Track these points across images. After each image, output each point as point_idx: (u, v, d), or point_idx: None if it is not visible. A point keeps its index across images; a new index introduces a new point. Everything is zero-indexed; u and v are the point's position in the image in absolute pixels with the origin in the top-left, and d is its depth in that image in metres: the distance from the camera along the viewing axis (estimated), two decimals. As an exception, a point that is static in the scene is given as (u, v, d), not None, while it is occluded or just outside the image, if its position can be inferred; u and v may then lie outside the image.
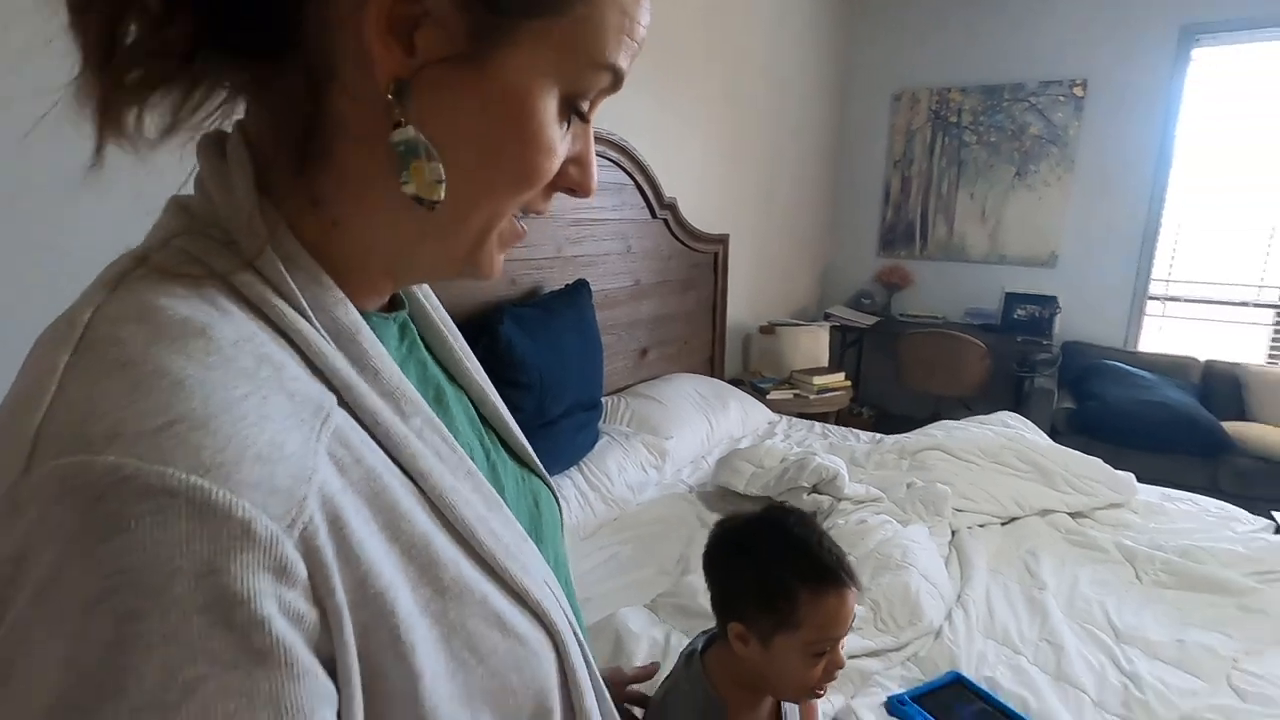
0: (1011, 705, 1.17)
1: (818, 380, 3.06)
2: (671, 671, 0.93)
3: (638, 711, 0.85)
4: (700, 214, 2.82)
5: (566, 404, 1.89)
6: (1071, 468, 1.93)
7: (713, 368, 2.99)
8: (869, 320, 3.93)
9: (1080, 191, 3.71)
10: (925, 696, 1.18)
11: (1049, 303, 3.69)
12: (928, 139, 4.07)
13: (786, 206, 3.80)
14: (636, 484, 1.97)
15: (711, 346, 3.00)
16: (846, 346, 4.04)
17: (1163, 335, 3.66)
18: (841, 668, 0.80)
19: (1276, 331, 3.43)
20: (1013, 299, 3.79)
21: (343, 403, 0.33)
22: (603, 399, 2.20)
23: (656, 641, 1.30)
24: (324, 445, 0.30)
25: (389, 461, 0.33)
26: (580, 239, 2.23)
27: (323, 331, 0.34)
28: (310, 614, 0.27)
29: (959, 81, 3.93)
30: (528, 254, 2.05)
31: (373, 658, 0.30)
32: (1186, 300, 3.63)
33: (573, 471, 1.88)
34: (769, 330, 3.31)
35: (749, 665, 0.80)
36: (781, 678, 0.80)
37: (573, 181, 0.40)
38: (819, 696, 0.80)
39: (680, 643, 1.31)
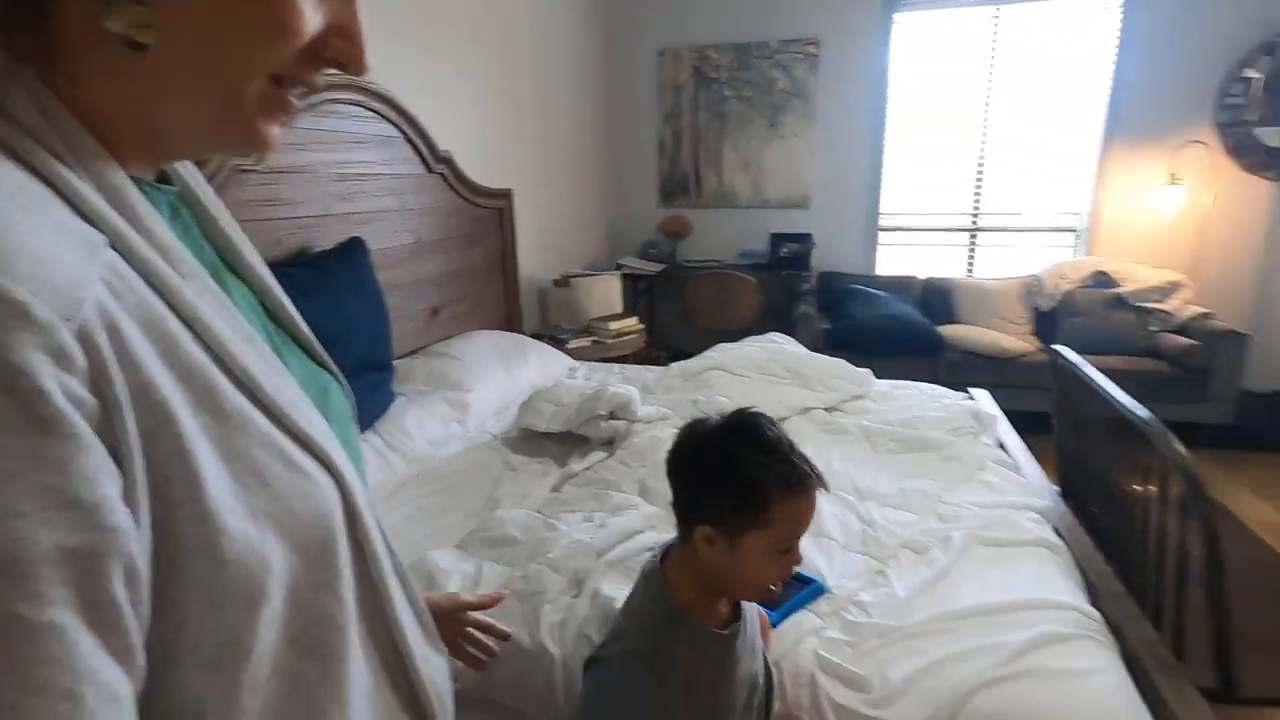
0: (780, 561, 1.39)
1: (614, 325, 3.21)
2: (632, 591, 0.96)
3: (485, 638, 0.82)
4: (480, 169, 2.78)
5: (352, 365, 1.80)
6: (822, 370, 2.27)
7: (510, 322, 3.01)
8: (656, 268, 4.17)
9: (822, 140, 4.21)
10: (712, 569, 1.35)
11: (806, 239, 4.19)
12: (692, 94, 4.35)
13: (568, 161, 3.87)
14: (439, 439, 1.96)
15: (506, 302, 3.01)
16: (639, 294, 4.26)
17: (892, 259, 4.33)
18: (799, 564, 0.84)
19: (970, 251, 4.22)
20: (777, 239, 4.24)
21: (113, 248, 0.32)
22: (395, 361, 2.14)
23: (468, 574, 1.34)
24: (97, 270, 0.30)
25: (164, 305, 0.33)
26: (350, 195, 2.11)
27: (88, 182, 0.32)
28: (90, 400, 0.28)
29: (714, 40, 4.23)
30: (290, 212, 1.90)
31: (157, 463, 0.30)
32: (907, 229, 4.31)
33: (369, 434, 1.82)
34: (563, 283, 3.38)
35: (713, 568, 0.82)
36: (746, 577, 0.82)
37: (338, 53, 0.38)
38: (773, 593, 0.85)
39: (492, 572, 1.36)
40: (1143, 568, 1.45)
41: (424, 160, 2.43)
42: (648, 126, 4.46)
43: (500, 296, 3.00)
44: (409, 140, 2.35)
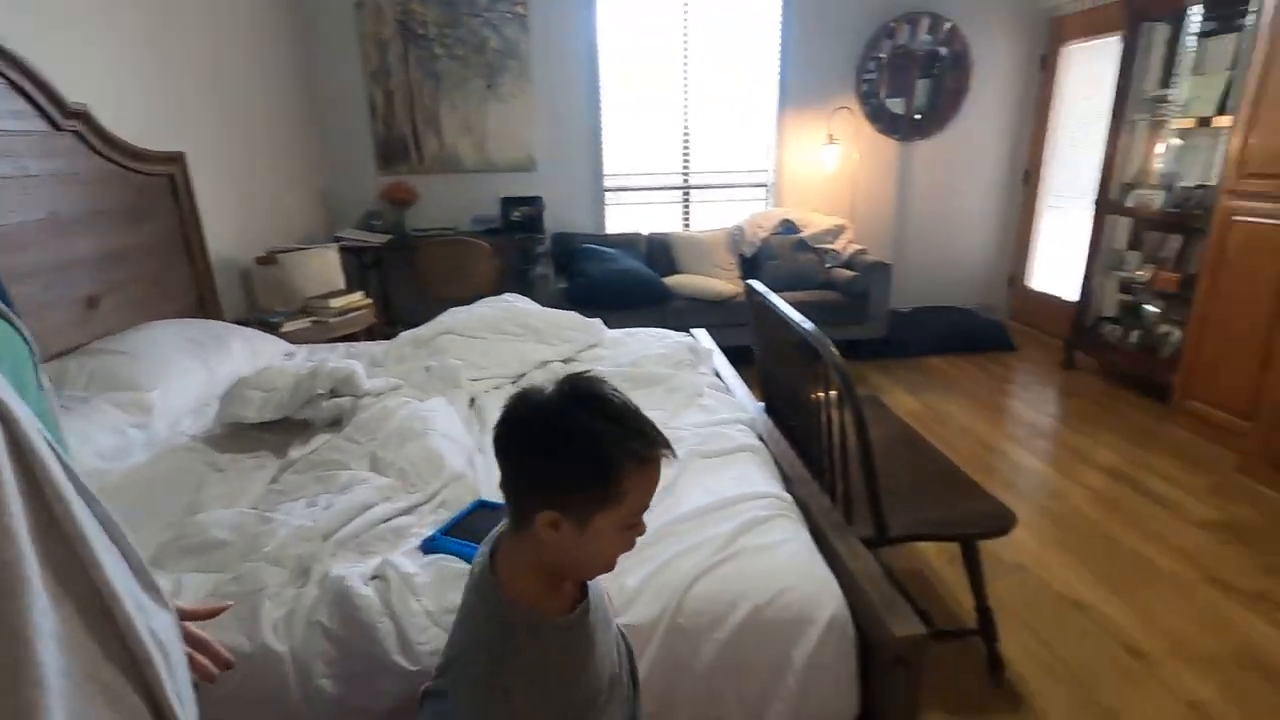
0: (522, 507, 1.42)
1: (335, 303, 2.95)
2: (461, 605, 0.82)
3: (203, 659, 0.69)
4: (137, 129, 2.32)
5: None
6: (556, 324, 2.33)
7: (205, 308, 2.60)
8: (382, 238, 3.91)
9: (541, 102, 4.25)
10: (454, 527, 1.33)
11: (536, 202, 4.22)
12: (401, 51, 4.08)
13: (262, 123, 3.40)
14: (113, 450, 1.64)
15: (197, 285, 2.59)
16: (366, 268, 3.96)
17: (620, 218, 4.57)
18: (643, 534, 0.76)
19: (685, 207, 4.63)
20: (508, 202, 4.21)
21: None
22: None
23: (164, 592, 1.15)
24: None
25: None
26: (-73, 157, 1.62)
27: None
28: None
29: (417, -7, 3.99)
30: None
31: None
32: (630, 189, 4.58)
33: (5, 457, 1.45)
34: (269, 260, 3.00)
35: (557, 553, 0.73)
36: (595, 557, 0.74)
37: None
38: (613, 568, 0.77)
39: (193, 583, 1.19)
40: (821, 455, 1.75)
41: (45, 115, 1.95)
42: (353, 85, 4.09)
43: (188, 280, 2.57)
44: (17, 88, 1.86)
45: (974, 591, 1.70)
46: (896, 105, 4.44)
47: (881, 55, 4.34)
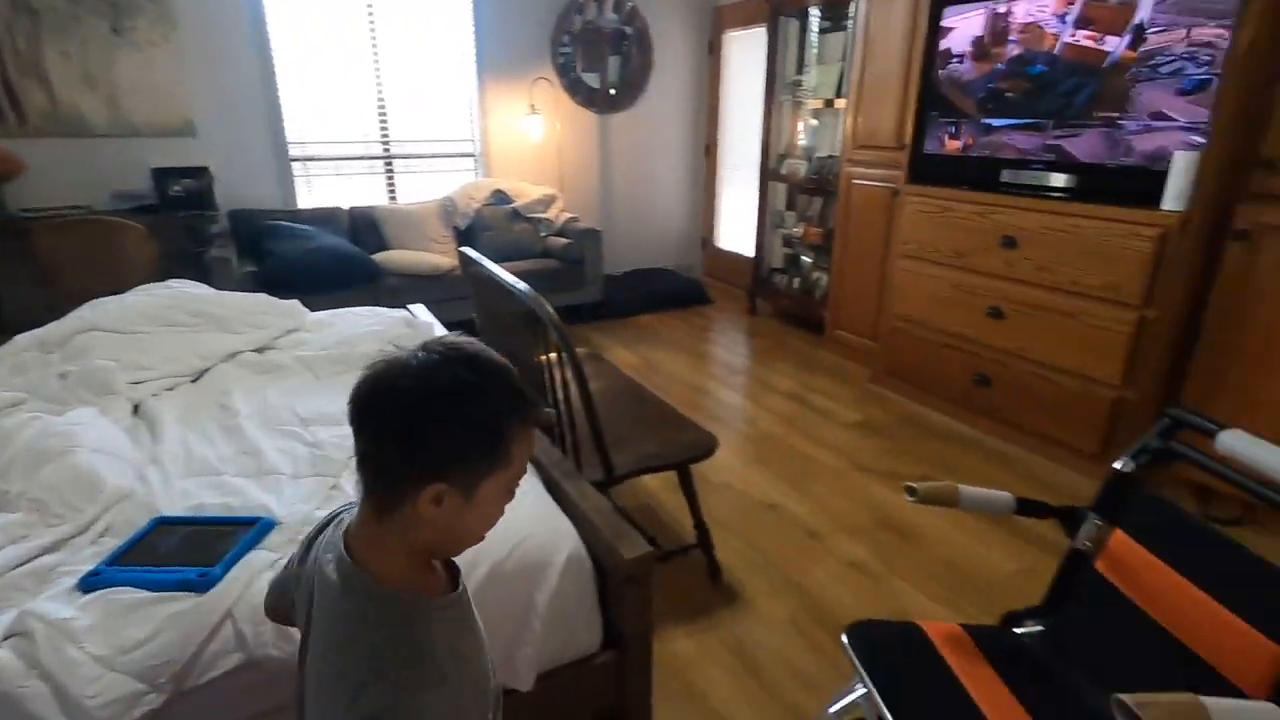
0: (218, 514, 1.23)
1: (-97, 306, 2.20)
2: (327, 625, 0.68)
3: None
4: None
5: None
6: (243, 309, 2.04)
7: None
8: (-26, 221, 3.00)
9: (194, 53, 3.59)
10: (126, 554, 1.11)
11: (202, 174, 3.59)
12: (-32, -26, 3.11)
13: None
14: None
15: None
16: (-48, 261, 3.01)
17: (313, 192, 4.12)
18: (513, 500, 0.73)
19: (388, 178, 4.33)
20: (162, 174, 3.51)
21: None
22: None
23: None
24: None
25: None
26: None
27: None
28: None
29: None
30: None
31: None
32: (322, 159, 4.13)
33: None
34: None
35: (435, 530, 0.67)
36: (477, 527, 0.70)
37: None
38: (481, 540, 0.72)
39: None
40: (551, 413, 1.82)
41: None
42: (-108, 14, 3.02)
43: None
44: None
45: (691, 511, 1.93)
46: (592, 79, 4.65)
47: (574, 30, 4.49)
